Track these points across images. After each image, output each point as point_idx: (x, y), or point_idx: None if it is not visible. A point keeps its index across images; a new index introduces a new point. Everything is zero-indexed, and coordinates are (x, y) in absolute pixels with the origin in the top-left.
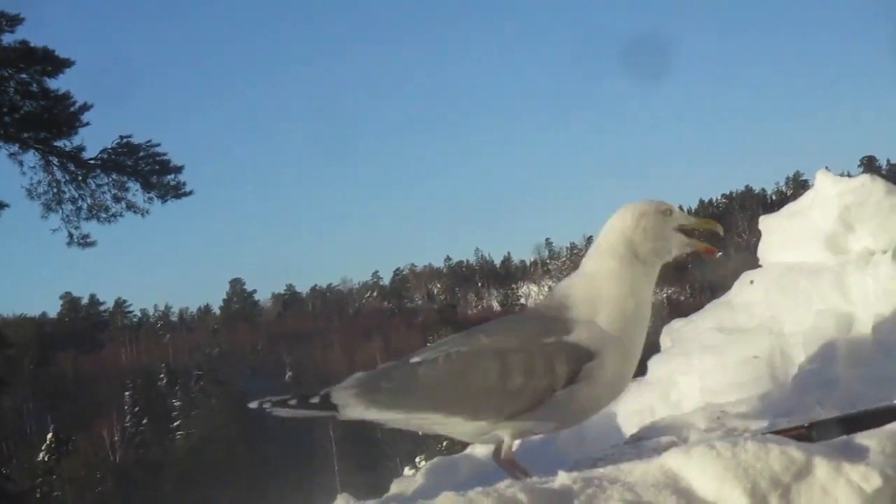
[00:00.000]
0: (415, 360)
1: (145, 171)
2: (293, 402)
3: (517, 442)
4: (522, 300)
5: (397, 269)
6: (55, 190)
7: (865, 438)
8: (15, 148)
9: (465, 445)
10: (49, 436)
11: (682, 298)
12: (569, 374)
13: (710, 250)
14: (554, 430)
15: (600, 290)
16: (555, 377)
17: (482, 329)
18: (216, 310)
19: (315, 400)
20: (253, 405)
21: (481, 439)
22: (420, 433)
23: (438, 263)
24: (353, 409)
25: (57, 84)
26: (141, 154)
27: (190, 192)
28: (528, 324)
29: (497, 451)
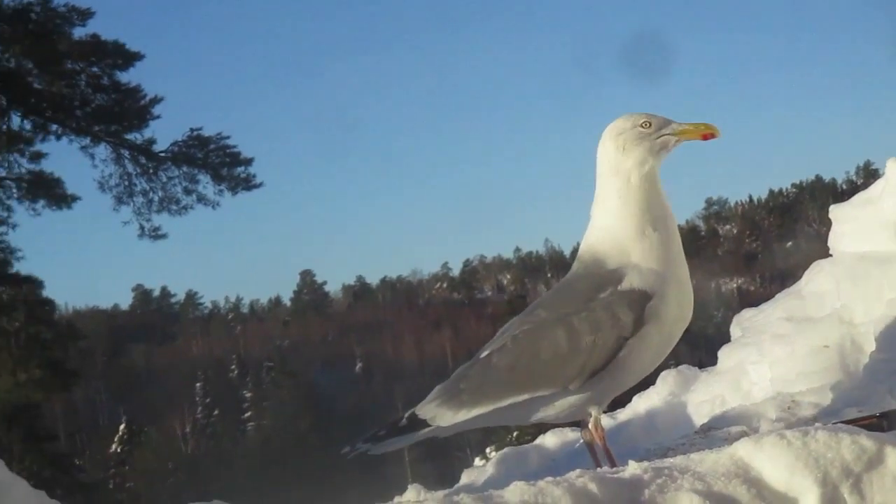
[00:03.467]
0: (484, 354)
1: (216, 163)
2: (382, 432)
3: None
4: None
5: (467, 261)
6: (126, 183)
7: None
8: (87, 141)
9: (535, 436)
10: (122, 427)
11: (752, 288)
12: (635, 320)
13: (706, 135)
14: (634, 381)
15: (617, 232)
16: (622, 326)
17: (538, 304)
18: (287, 301)
19: (403, 423)
20: (347, 451)
21: (571, 413)
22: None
23: (508, 254)
24: (443, 417)
25: (128, 77)
26: (211, 146)
27: (260, 184)
28: (579, 286)
29: (586, 429)
